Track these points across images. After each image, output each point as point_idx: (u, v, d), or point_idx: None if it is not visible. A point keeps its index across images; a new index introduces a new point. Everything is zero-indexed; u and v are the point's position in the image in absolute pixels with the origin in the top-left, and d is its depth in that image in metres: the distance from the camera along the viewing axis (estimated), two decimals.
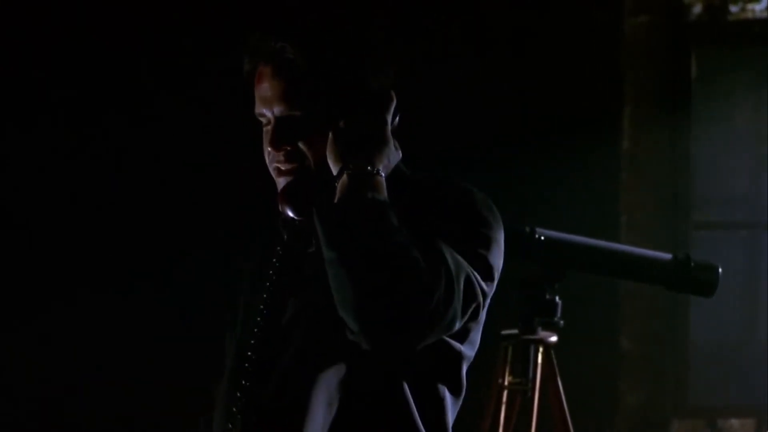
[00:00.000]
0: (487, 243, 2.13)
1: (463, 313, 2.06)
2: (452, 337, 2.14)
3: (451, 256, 2.05)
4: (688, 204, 4.94)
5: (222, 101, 2.30)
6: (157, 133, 4.92)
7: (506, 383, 3.54)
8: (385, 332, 2.01)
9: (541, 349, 3.50)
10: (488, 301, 2.15)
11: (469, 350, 2.19)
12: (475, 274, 2.08)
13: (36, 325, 4.83)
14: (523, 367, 3.50)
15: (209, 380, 2.33)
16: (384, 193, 2.08)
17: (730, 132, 4.92)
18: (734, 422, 4.90)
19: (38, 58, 4.95)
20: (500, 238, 2.16)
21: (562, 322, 3.48)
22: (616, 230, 4.89)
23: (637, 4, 5.03)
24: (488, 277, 2.11)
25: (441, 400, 2.17)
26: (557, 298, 3.47)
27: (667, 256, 3.51)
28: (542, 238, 3.43)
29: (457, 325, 2.07)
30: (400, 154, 2.20)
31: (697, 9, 5.08)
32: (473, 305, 2.08)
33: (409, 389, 2.14)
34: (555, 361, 3.53)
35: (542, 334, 3.50)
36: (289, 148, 2.18)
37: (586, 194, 4.83)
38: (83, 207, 4.91)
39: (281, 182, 2.21)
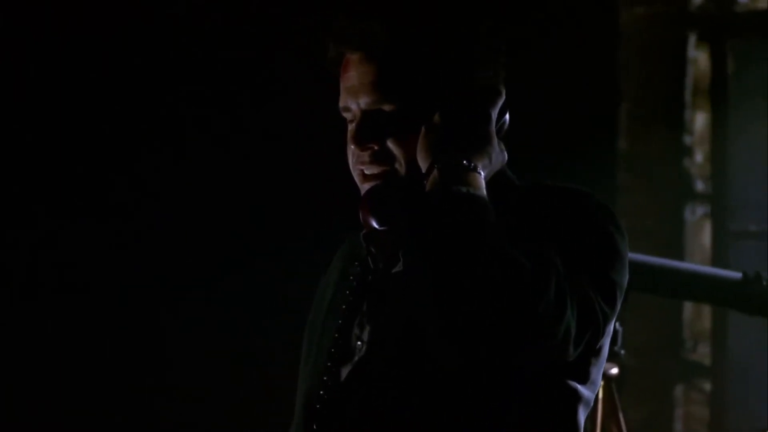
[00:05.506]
0: (608, 258, 1.82)
1: (579, 339, 1.73)
2: (569, 375, 1.84)
3: (564, 269, 1.74)
4: (725, 211, 4.64)
5: (319, 100, 2.10)
6: (250, 133, 4.62)
7: None
8: (476, 344, 1.69)
9: (601, 383, 3.15)
10: (611, 327, 1.85)
11: (588, 391, 1.88)
12: (594, 293, 1.77)
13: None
14: None
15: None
16: (482, 190, 1.78)
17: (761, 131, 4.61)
18: None
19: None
20: (624, 252, 1.85)
21: (623, 351, 3.14)
22: None
23: None
24: (609, 297, 1.80)
25: None
26: (618, 324, 3.13)
27: (736, 274, 3.21)
28: None
29: (572, 351, 1.74)
30: (506, 157, 1.90)
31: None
32: (591, 329, 1.76)
33: None
34: (617, 396, 3.19)
35: None
36: (375, 148, 1.89)
37: None
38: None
39: (365, 188, 1.90)
